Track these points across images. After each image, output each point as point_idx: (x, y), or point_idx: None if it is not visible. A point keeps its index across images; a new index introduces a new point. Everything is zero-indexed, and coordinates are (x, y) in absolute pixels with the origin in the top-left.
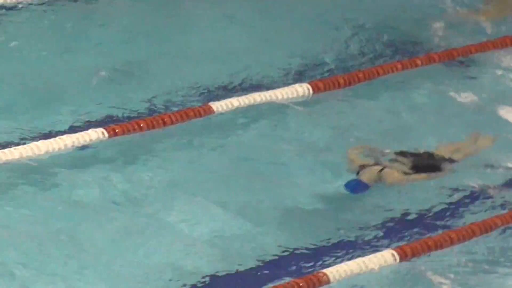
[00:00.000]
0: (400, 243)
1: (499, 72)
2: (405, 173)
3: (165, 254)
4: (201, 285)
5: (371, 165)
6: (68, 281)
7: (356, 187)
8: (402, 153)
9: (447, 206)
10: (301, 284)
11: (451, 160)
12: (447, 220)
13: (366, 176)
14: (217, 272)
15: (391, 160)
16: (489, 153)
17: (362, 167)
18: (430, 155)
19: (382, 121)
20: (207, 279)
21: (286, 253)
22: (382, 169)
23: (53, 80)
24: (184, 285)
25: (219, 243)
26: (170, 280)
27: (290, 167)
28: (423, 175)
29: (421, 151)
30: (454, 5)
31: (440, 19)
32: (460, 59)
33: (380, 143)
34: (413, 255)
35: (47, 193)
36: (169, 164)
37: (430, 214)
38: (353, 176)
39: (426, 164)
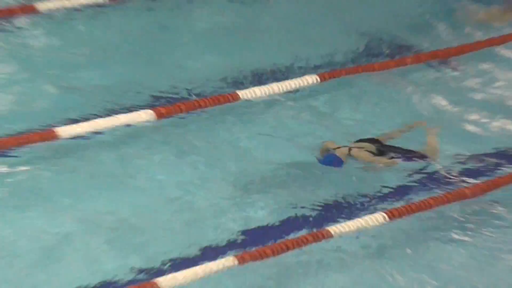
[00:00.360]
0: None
1: (473, 74)
2: (373, 154)
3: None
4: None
5: (341, 147)
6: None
7: (332, 160)
8: (362, 140)
9: (425, 181)
10: (309, 239)
11: (422, 156)
12: (425, 192)
13: (339, 154)
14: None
15: (356, 142)
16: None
17: (333, 149)
18: (377, 141)
19: (371, 108)
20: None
21: (296, 215)
22: (350, 149)
23: (119, 71)
24: (200, 247)
25: (242, 203)
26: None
27: (295, 144)
28: (384, 160)
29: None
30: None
31: (433, 23)
32: (444, 60)
33: (361, 127)
34: (400, 216)
35: (104, 162)
36: (201, 139)
37: (412, 186)
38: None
39: (386, 149)
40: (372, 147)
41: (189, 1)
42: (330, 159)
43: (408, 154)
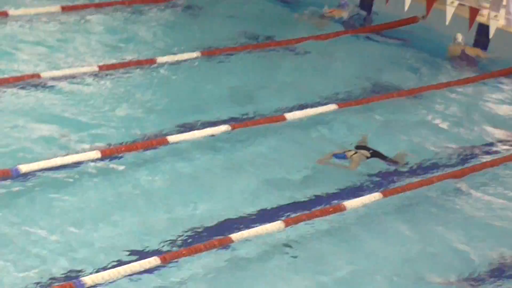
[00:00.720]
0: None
1: (437, 107)
2: (367, 157)
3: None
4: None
5: (349, 151)
6: None
7: (342, 156)
8: (360, 147)
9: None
10: (330, 210)
11: (394, 161)
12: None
13: (347, 154)
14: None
15: (358, 148)
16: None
17: (343, 152)
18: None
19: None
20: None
21: (317, 196)
22: (353, 154)
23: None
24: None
25: (284, 185)
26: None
27: (314, 149)
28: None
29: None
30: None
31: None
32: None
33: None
34: (391, 195)
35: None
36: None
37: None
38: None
39: (378, 155)
40: (367, 153)
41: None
42: (340, 156)
43: (385, 159)
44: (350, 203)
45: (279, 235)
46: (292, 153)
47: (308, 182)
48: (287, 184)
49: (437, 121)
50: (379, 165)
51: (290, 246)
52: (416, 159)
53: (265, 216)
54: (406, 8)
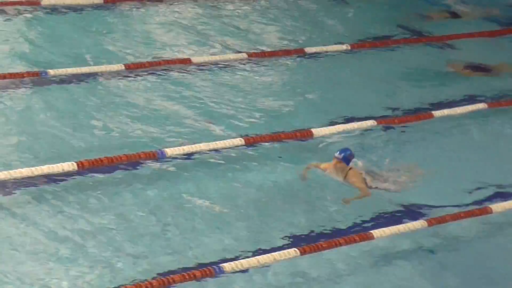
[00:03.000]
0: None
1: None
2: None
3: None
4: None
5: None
6: None
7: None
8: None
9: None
10: (476, 212)
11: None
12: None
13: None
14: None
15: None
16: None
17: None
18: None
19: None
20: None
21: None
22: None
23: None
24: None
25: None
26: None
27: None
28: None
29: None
30: None
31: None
32: None
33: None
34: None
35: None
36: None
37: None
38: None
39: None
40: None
41: None
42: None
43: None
44: (497, 206)
45: (421, 234)
46: (435, 152)
47: (452, 179)
48: (432, 181)
49: None
50: None
51: (431, 250)
52: None
53: (409, 213)
54: None
